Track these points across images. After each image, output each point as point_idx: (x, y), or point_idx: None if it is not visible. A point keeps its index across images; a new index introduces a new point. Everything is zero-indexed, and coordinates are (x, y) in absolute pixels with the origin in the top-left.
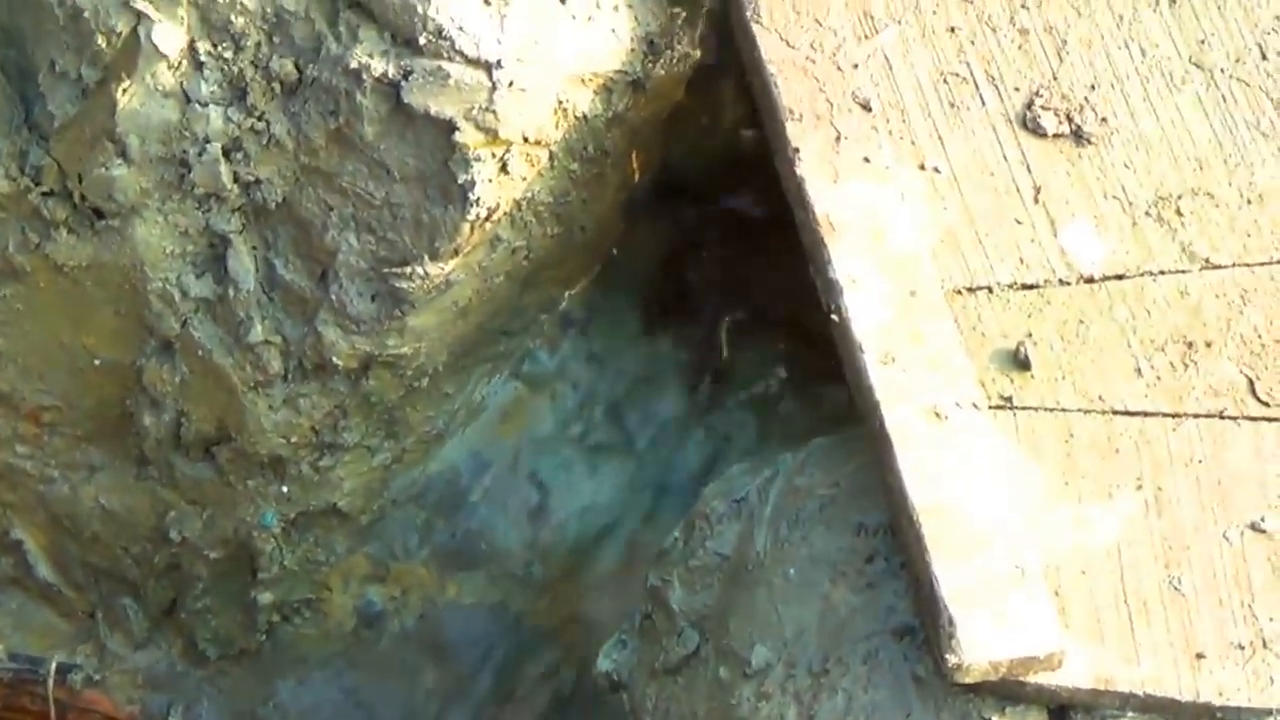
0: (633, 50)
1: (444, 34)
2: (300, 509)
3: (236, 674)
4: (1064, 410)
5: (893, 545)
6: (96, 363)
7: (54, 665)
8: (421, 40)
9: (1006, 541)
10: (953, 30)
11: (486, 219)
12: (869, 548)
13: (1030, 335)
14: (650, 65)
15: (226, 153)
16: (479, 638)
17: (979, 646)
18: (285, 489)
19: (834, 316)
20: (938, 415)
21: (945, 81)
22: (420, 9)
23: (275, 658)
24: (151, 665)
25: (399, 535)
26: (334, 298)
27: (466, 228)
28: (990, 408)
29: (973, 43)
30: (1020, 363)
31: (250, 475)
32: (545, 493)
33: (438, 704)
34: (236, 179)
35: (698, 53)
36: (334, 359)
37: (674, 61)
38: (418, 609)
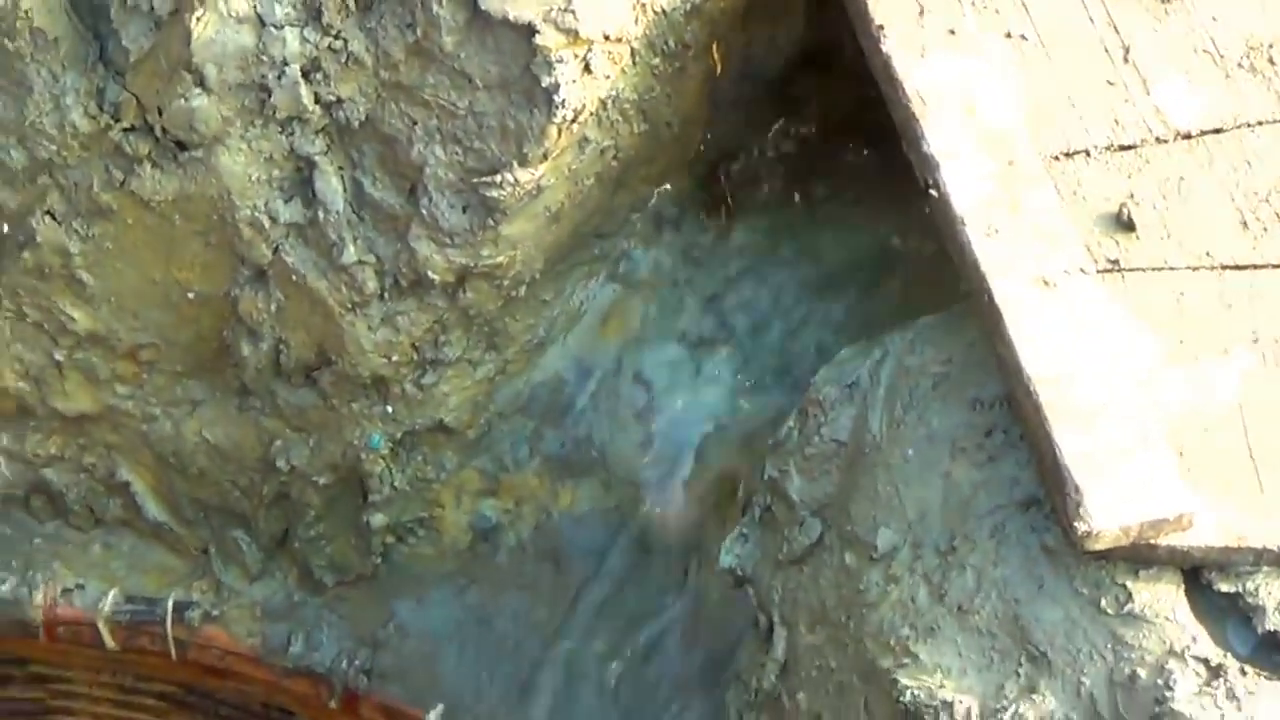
0: None
1: None
2: (406, 428)
3: (354, 598)
4: (1172, 269)
5: (1010, 417)
6: (190, 296)
7: (171, 604)
8: None
9: (1126, 405)
10: None
11: (573, 120)
12: (987, 422)
13: (1132, 196)
14: None
15: (306, 74)
16: (597, 544)
17: (1107, 512)
18: (390, 409)
19: (932, 192)
20: (1046, 283)
21: None
22: None
23: (392, 579)
24: (269, 597)
25: (508, 447)
26: (425, 212)
27: (554, 131)
28: (1098, 272)
29: None
30: (1124, 224)
31: (354, 398)
32: (652, 392)
33: (560, 613)
34: (318, 100)
35: None
36: (430, 274)
37: None
38: (532, 520)
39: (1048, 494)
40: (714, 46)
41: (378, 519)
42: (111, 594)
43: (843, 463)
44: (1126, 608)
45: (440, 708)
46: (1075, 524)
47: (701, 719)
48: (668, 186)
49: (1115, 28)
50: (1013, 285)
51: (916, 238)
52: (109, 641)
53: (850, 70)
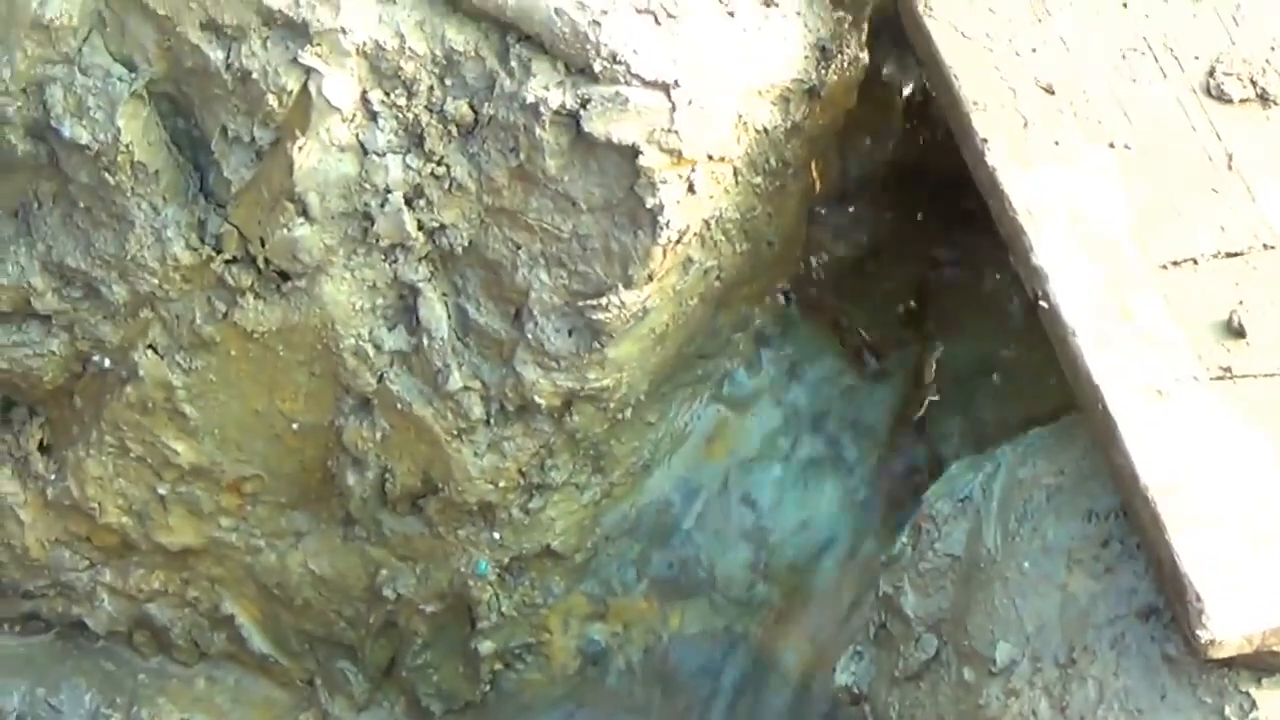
0: (806, 58)
1: (618, 59)
2: (514, 554)
3: None
4: None
5: (1126, 528)
6: (294, 427)
7: None
8: (596, 67)
9: (1244, 512)
10: (1125, 5)
11: (678, 241)
12: (1102, 533)
13: (1241, 303)
14: (823, 71)
15: (409, 201)
16: (707, 666)
17: (1230, 620)
18: (497, 535)
19: (1042, 304)
20: (1159, 393)
21: (1124, 58)
22: (592, 36)
23: (501, 707)
24: None
25: (616, 570)
26: (530, 337)
27: (659, 252)
28: (1211, 379)
29: (1147, 16)
30: (1235, 331)
31: (460, 525)
32: (759, 512)
33: None
34: (421, 227)
35: (866, 55)
36: (536, 398)
37: (845, 66)
38: (642, 643)
39: (1168, 603)
40: (813, 164)
41: (486, 646)
42: None
43: (957, 577)
44: (1251, 716)
45: None
46: (1197, 632)
47: None
48: (777, 301)
49: (1217, 135)
50: (1125, 395)
51: (1018, 348)
52: None
53: (947, 181)
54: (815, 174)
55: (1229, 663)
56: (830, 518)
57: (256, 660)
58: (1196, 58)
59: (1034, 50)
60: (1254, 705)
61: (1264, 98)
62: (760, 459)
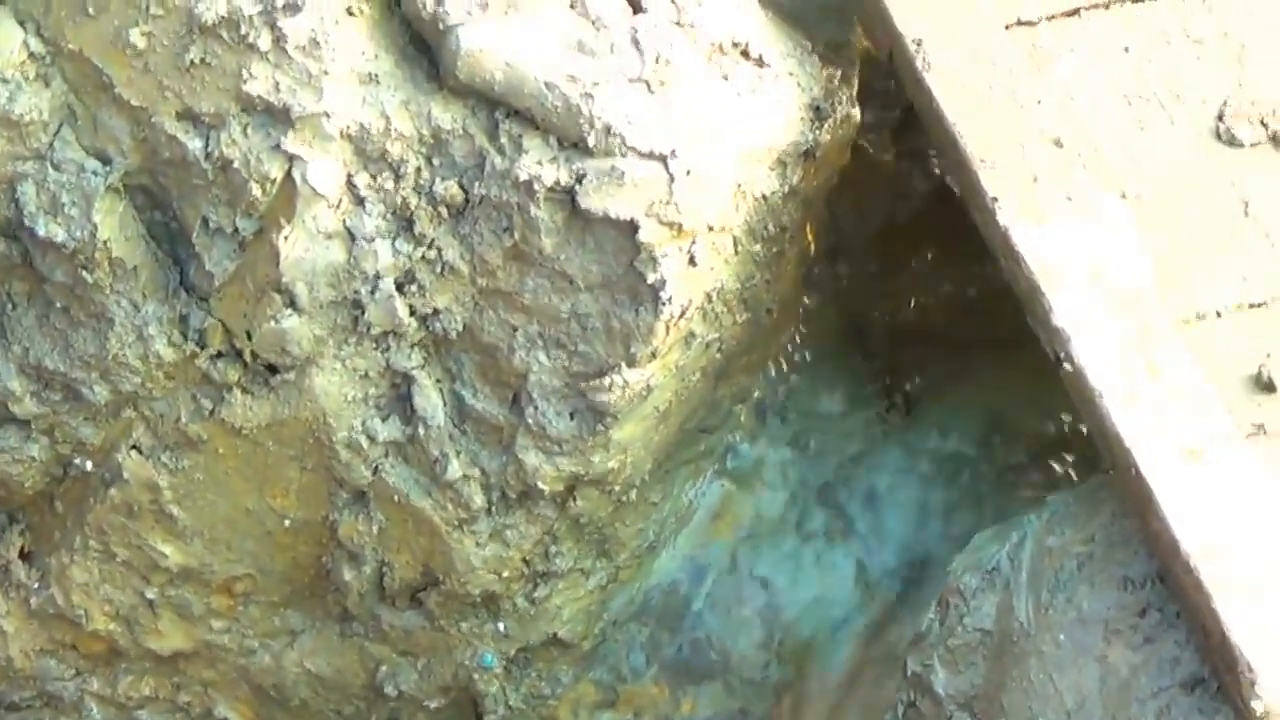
0: (801, 119)
1: (613, 131)
2: (520, 644)
3: None
4: None
5: (1165, 595)
6: (286, 524)
7: None
8: (590, 141)
9: None
10: (1127, 50)
11: (680, 316)
12: (1140, 601)
13: (1270, 355)
14: (818, 132)
15: (400, 287)
16: None
17: None
18: (502, 626)
19: (1065, 365)
20: (1193, 453)
21: (1130, 105)
22: (585, 109)
23: None
24: None
25: (625, 656)
26: (530, 421)
27: (661, 328)
28: (1245, 436)
29: (1150, 61)
30: (1265, 385)
31: (463, 617)
32: (771, 590)
33: None
34: (413, 312)
35: (858, 112)
36: (538, 484)
37: (838, 124)
38: None
39: (1214, 673)
40: (807, 227)
41: None
42: None
43: (990, 653)
44: None
45: None
46: (1251, 704)
47: None
48: (778, 369)
49: (1231, 181)
50: (1158, 457)
51: (1029, 413)
52: None
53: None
54: (810, 237)
55: None
56: (845, 592)
57: None
58: (1204, 101)
59: (1038, 102)
60: None
61: (1276, 140)
62: (768, 534)
